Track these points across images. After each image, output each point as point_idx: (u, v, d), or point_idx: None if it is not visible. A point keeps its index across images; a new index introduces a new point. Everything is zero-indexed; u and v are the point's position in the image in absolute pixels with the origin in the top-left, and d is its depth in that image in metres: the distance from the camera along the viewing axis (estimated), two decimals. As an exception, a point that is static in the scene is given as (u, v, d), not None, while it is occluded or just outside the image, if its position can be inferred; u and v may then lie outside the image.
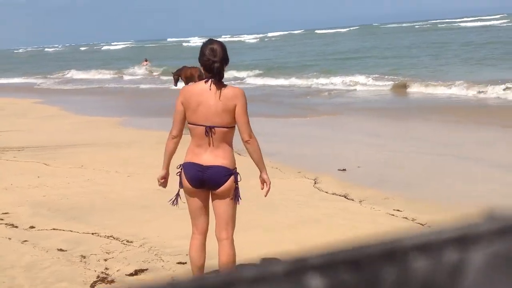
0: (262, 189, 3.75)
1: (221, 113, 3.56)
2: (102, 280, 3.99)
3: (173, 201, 3.85)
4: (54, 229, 5.26)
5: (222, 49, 3.62)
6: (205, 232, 3.76)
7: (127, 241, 4.90)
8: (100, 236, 5.08)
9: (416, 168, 7.89)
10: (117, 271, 4.18)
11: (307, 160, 8.65)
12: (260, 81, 24.55)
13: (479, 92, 16.31)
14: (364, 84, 20.54)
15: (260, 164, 3.72)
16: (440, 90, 17.43)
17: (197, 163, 3.60)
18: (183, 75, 19.27)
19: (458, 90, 16.95)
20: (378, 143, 10.09)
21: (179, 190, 3.80)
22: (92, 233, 5.14)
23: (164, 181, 3.78)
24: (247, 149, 3.69)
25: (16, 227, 5.31)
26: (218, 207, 3.68)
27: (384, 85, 19.88)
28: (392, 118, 13.39)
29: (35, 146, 10.18)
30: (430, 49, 33.89)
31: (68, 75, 34.58)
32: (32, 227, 5.31)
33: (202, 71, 3.70)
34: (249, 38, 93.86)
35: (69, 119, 14.07)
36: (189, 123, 3.64)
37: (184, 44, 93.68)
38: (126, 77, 30.86)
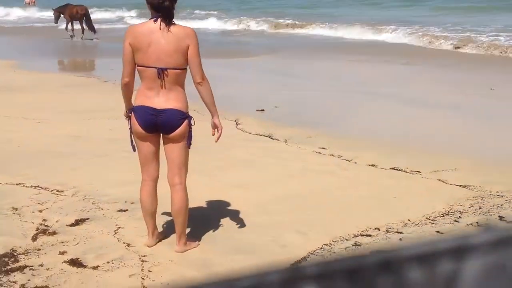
0: (213, 134, 3.67)
1: (173, 54, 3.41)
2: (43, 232, 3.81)
3: (133, 147, 3.68)
4: (-29, 183, 4.89)
5: None
6: (156, 178, 3.68)
7: (57, 191, 4.68)
8: (26, 186, 4.80)
9: (332, 106, 8.17)
10: (56, 221, 4.00)
11: (224, 101, 8.61)
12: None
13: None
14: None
15: (211, 107, 3.62)
16: (340, 33, 17.85)
17: (150, 106, 3.46)
18: (68, 13, 18.42)
19: (352, 32, 17.48)
20: (291, 82, 10.28)
21: (131, 135, 3.64)
22: (17, 184, 4.85)
23: (129, 123, 3.59)
24: (199, 91, 3.58)
25: None
26: (171, 151, 3.59)
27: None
28: (297, 58, 13.62)
29: None
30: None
31: None
32: None
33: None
34: None
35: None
36: (138, 65, 3.45)
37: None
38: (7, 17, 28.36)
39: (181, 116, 3.51)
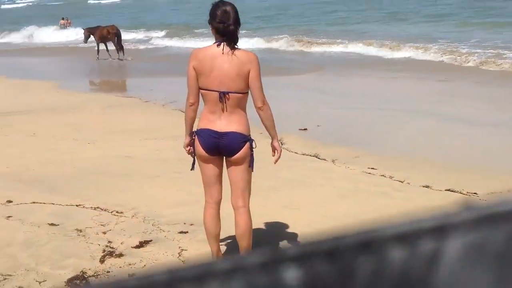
0: (273, 155, 3.77)
1: (235, 78, 3.50)
2: (110, 254, 3.91)
3: (192, 166, 3.77)
4: (34, 202, 5.05)
5: (234, 11, 3.53)
6: (219, 201, 3.75)
7: (117, 212, 4.79)
8: (86, 208, 4.93)
9: (375, 124, 8.17)
10: (121, 243, 4.10)
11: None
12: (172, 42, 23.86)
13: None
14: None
15: (272, 131, 3.72)
16: (372, 49, 17.83)
17: (212, 129, 3.55)
18: (98, 34, 18.64)
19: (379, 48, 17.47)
20: (331, 100, 10.31)
21: (194, 157, 3.73)
22: (77, 205, 4.98)
23: (189, 148, 3.70)
24: (259, 115, 3.66)
25: (-10, 202, 5.04)
26: (234, 174, 3.66)
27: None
28: (335, 75, 13.67)
29: (-28, 114, 9.57)
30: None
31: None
32: (9, 201, 5.06)
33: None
34: None
35: (1, 83, 13.26)
36: (201, 89, 3.55)
37: (90, 1, 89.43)
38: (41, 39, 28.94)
39: (243, 139, 3.59)
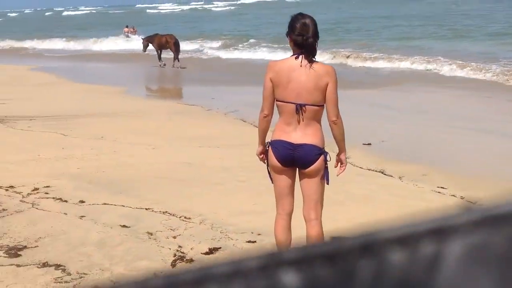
0: (336, 166, 3.76)
1: (312, 91, 3.50)
2: (181, 259, 3.95)
3: (271, 179, 3.78)
4: (105, 203, 5.17)
5: (314, 24, 3.54)
6: (291, 213, 3.73)
7: (185, 218, 4.85)
8: (155, 211, 5.01)
9: (442, 141, 7.97)
10: (191, 249, 4.14)
11: (330, 133, 8.64)
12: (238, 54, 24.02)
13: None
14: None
15: (341, 144, 3.73)
16: (436, 67, 17.47)
17: (287, 141, 3.55)
18: (156, 42, 19.07)
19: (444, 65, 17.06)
20: (394, 116, 10.15)
21: (268, 168, 3.74)
22: (146, 209, 5.07)
23: (263, 156, 3.72)
24: (332, 129, 3.65)
25: (66, 201, 5.20)
26: (307, 187, 3.65)
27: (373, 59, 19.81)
28: (398, 91, 13.45)
29: (45, 116, 9.94)
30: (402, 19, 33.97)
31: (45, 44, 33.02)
32: (81, 201, 5.21)
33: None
34: (222, 6, 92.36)
35: (69, 87, 13.76)
36: (277, 100, 3.57)
37: (149, 11, 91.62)
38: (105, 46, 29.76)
39: (317, 152, 3.57)
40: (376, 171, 6.61)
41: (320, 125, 3.61)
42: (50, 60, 23.47)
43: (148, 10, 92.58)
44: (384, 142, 8.07)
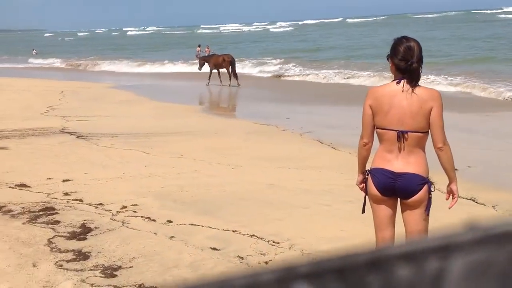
0: (447, 199, 3.55)
1: (415, 117, 3.34)
2: (275, 285, 3.86)
3: (363, 209, 3.64)
4: (192, 224, 5.17)
5: (419, 48, 3.39)
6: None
7: (274, 242, 4.76)
8: (242, 234, 4.95)
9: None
10: (284, 275, 4.04)
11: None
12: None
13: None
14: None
15: (450, 173, 3.53)
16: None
17: (388, 169, 3.40)
18: (213, 62, 19.88)
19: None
20: (476, 140, 9.74)
21: (365, 197, 3.60)
22: (233, 231, 5.02)
23: (363, 186, 3.59)
24: (438, 156, 3.47)
25: (154, 220, 5.24)
26: (410, 218, 3.48)
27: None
28: (475, 114, 12.95)
29: (126, 133, 10.20)
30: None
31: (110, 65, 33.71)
32: (169, 221, 5.23)
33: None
34: (284, 26, 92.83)
35: (146, 105, 14.10)
36: (377, 128, 3.43)
37: (214, 31, 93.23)
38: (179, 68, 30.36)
39: (421, 181, 3.40)
40: (466, 198, 6.30)
41: (424, 153, 3.44)
42: (128, 78, 24.26)
43: (213, 31, 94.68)
44: (470, 167, 7.72)
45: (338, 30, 67.48)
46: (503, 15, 70.33)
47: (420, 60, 3.38)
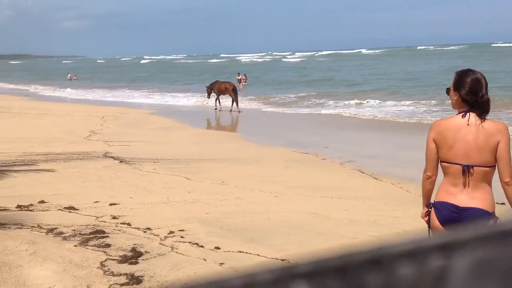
0: None
1: (481, 151, 3.29)
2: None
3: None
4: (240, 251, 5.16)
5: (485, 81, 3.37)
6: None
7: (324, 272, 4.70)
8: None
9: None
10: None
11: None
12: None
13: None
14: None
15: None
16: None
17: (452, 203, 3.35)
18: (216, 88, 21.10)
19: None
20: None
21: (428, 230, 3.55)
22: (282, 259, 4.99)
23: (427, 218, 3.55)
24: (505, 191, 3.38)
25: (202, 246, 5.25)
26: None
27: None
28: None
29: (168, 159, 10.31)
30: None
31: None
32: (217, 247, 5.23)
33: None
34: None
35: (187, 131, 14.27)
36: (442, 161, 3.39)
37: (244, 60, 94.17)
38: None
39: (486, 217, 3.33)
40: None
41: (490, 188, 3.37)
42: (168, 104, 24.67)
43: (241, 59, 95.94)
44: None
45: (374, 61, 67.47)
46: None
47: (487, 92, 3.35)
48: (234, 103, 20.86)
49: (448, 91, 3.50)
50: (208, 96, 22.01)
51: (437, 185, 3.54)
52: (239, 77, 33.67)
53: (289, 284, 0.39)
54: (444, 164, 3.38)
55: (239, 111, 20.58)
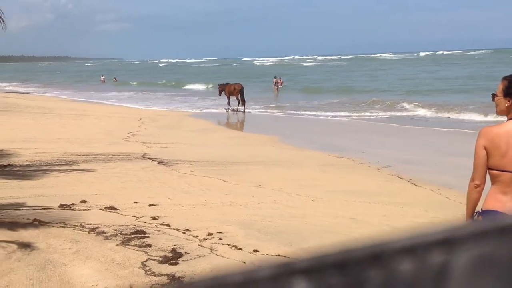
0: None
1: None
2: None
3: None
4: (278, 255, 5.17)
5: None
6: None
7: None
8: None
9: None
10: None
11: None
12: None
13: None
14: None
15: None
16: None
17: (501, 211, 3.28)
18: (227, 90, 21.97)
19: None
20: None
21: None
22: (320, 264, 4.98)
23: None
24: None
25: (240, 249, 5.27)
26: None
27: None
28: None
29: (204, 161, 10.39)
30: None
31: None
32: (255, 250, 5.25)
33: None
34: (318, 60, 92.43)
35: (223, 134, 14.37)
36: (491, 169, 3.31)
37: (257, 63, 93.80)
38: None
39: None
40: None
41: None
42: (203, 107, 24.90)
43: (256, 63, 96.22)
44: None
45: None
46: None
47: None
48: (240, 103, 21.64)
49: (493, 96, 3.43)
50: (220, 94, 22.76)
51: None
52: (275, 80, 33.77)
53: (289, 280, 0.39)
54: (494, 172, 3.30)
55: (244, 112, 21.28)
